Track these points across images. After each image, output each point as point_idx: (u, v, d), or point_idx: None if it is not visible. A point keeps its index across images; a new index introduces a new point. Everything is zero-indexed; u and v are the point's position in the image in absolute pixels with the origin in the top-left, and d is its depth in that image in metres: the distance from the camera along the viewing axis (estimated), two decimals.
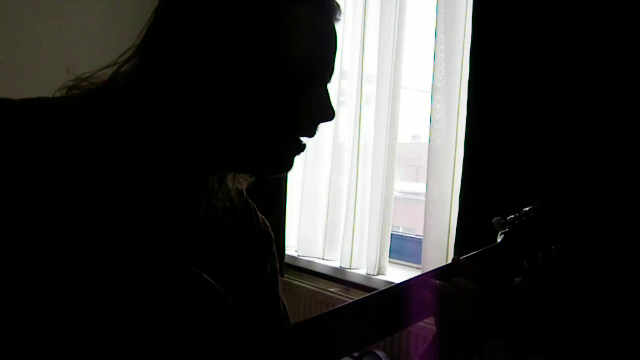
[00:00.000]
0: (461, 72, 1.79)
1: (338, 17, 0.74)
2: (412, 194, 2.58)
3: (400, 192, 2.40)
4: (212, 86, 0.68)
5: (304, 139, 0.75)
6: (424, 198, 1.88)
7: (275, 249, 0.89)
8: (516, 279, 0.90)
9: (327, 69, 0.74)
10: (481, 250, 0.88)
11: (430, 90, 1.85)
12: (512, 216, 0.91)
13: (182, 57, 0.68)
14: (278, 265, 0.90)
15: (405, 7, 2.07)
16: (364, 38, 2.18)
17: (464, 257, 0.87)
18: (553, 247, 0.89)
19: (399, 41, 2.06)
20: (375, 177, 2.12)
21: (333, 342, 0.78)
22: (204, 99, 0.68)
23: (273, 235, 0.89)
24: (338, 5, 0.74)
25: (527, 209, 0.91)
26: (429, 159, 1.85)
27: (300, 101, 0.71)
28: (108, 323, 0.63)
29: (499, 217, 0.91)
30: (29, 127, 0.65)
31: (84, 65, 0.74)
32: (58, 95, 0.72)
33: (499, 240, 0.90)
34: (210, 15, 0.67)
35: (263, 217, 0.88)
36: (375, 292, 0.83)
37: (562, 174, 1.39)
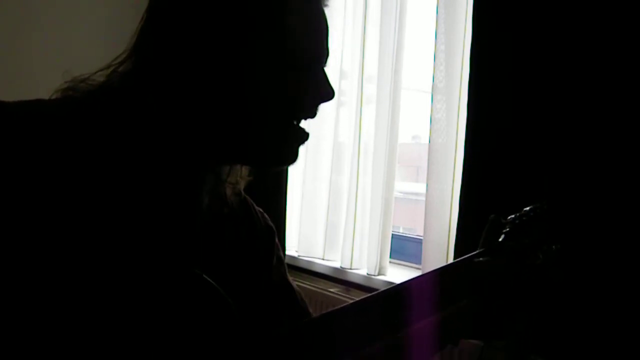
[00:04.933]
0: (461, 72, 1.79)
1: (326, 2, 0.75)
2: (412, 194, 2.58)
3: (400, 192, 2.39)
4: (208, 78, 0.68)
5: (307, 130, 0.75)
6: (424, 198, 1.88)
7: (277, 239, 0.89)
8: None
9: (321, 52, 0.75)
10: (482, 250, 0.88)
11: (430, 90, 1.85)
12: (512, 216, 0.91)
13: (175, 51, 0.68)
14: (282, 255, 0.90)
15: (406, 7, 2.07)
16: (364, 38, 2.18)
17: (464, 257, 0.87)
18: (553, 247, 0.89)
19: (399, 41, 2.06)
20: (375, 177, 2.12)
21: (332, 342, 0.78)
22: (201, 92, 0.68)
23: (274, 226, 0.89)
24: None
25: (527, 208, 0.91)
26: (429, 159, 1.85)
27: (298, 84, 0.71)
28: (107, 323, 0.63)
29: (499, 217, 0.91)
30: (24, 129, 0.65)
31: (83, 67, 0.74)
32: (55, 97, 0.72)
33: (499, 240, 0.89)
34: (200, 6, 0.68)
35: (261, 210, 0.88)
36: (376, 292, 0.82)
37: (562, 174, 1.39)
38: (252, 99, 0.70)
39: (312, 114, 0.75)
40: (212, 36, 0.67)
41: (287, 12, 0.70)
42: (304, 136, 0.75)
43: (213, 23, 0.67)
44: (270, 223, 0.89)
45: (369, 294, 0.81)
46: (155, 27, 0.71)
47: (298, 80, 0.71)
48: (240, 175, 0.81)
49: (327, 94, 0.74)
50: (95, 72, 0.73)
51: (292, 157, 0.75)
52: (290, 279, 0.90)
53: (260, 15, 0.68)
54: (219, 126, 0.70)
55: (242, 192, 0.85)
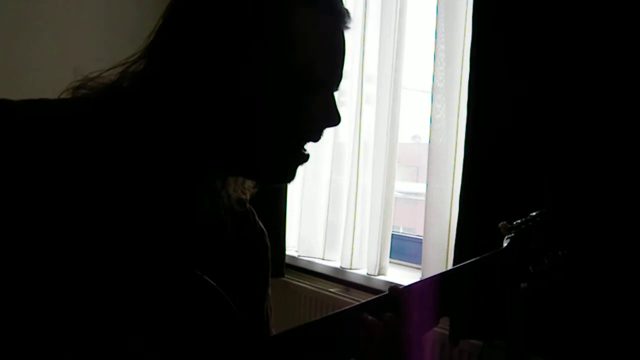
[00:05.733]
0: (461, 72, 1.79)
1: (347, 23, 0.72)
2: (412, 194, 2.58)
3: (400, 192, 2.39)
4: (218, 89, 0.67)
5: (308, 147, 0.75)
6: (424, 198, 1.88)
7: (269, 258, 0.88)
8: (522, 284, 0.90)
9: (334, 76, 0.73)
10: (487, 254, 0.88)
11: (430, 90, 1.85)
12: (518, 220, 0.90)
13: (189, 60, 0.67)
14: (269, 275, 0.89)
15: (405, 7, 2.07)
16: (364, 38, 2.18)
17: (470, 261, 0.86)
18: (559, 253, 0.88)
19: (399, 41, 2.06)
20: (375, 177, 2.12)
21: (331, 346, 0.77)
22: (210, 102, 0.68)
23: (269, 244, 0.88)
24: (347, 11, 0.72)
25: (534, 213, 0.91)
26: (429, 159, 1.85)
27: (305, 107, 0.71)
28: (108, 324, 0.63)
29: (505, 222, 0.91)
30: (28, 128, 0.65)
31: (87, 65, 0.74)
32: (64, 96, 0.71)
33: (505, 244, 0.89)
34: (218, 19, 0.67)
35: (262, 227, 0.88)
36: (376, 296, 0.81)
37: (562, 174, 1.39)
38: (258, 114, 0.69)
39: (316, 138, 0.74)
40: (225, 50, 0.67)
41: (304, 33, 0.68)
42: (304, 158, 0.74)
43: (228, 37, 0.67)
44: (267, 241, 0.88)
45: (370, 298, 0.81)
46: (170, 32, 0.71)
47: (305, 102, 0.70)
48: (245, 186, 0.81)
49: (334, 120, 0.73)
50: (107, 70, 0.72)
51: (290, 177, 0.75)
52: (268, 303, 0.88)
53: (275, 34, 0.67)
54: (224, 136, 0.70)
55: (247, 203, 0.85)
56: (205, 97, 0.68)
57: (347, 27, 0.72)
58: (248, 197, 0.82)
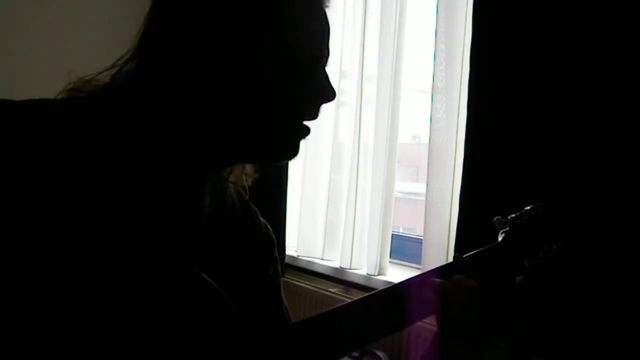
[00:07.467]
0: (461, 72, 1.80)
1: (327, 3, 0.75)
2: (412, 194, 2.58)
3: (400, 192, 2.39)
4: (210, 78, 0.68)
5: (308, 122, 0.75)
6: (424, 198, 1.88)
7: (277, 252, 0.89)
8: (517, 277, 0.90)
9: (322, 52, 0.75)
10: (482, 248, 0.88)
11: (430, 90, 1.85)
12: (513, 215, 0.91)
13: (178, 51, 0.68)
14: (280, 269, 0.90)
15: (405, 7, 2.08)
16: (364, 38, 2.18)
17: (465, 255, 0.87)
18: (554, 246, 0.89)
19: (399, 41, 2.06)
20: (375, 177, 2.12)
21: (333, 340, 0.78)
22: (203, 92, 0.68)
23: (275, 239, 0.89)
24: None
25: (528, 207, 0.91)
26: (429, 159, 1.86)
27: (300, 84, 0.72)
28: (107, 322, 0.63)
29: (500, 216, 0.91)
30: (29, 128, 0.65)
31: (86, 66, 0.74)
32: (60, 97, 0.72)
33: (500, 238, 0.90)
34: (202, 7, 0.68)
35: (265, 221, 0.88)
36: (376, 290, 0.83)
37: (563, 173, 1.39)
38: (254, 99, 0.70)
39: (314, 115, 0.75)
40: (214, 37, 0.68)
41: (289, 13, 0.70)
42: (305, 131, 0.75)
43: (215, 24, 0.67)
44: (272, 235, 0.88)
45: (368, 293, 0.81)
46: (158, 28, 0.71)
47: (299, 81, 0.71)
48: (246, 172, 0.81)
49: (329, 94, 0.74)
50: (100, 73, 0.73)
51: (293, 152, 0.76)
52: (283, 295, 0.89)
53: (262, 17, 0.68)
54: (222, 125, 0.71)
55: (247, 198, 0.85)
56: (199, 86, 0.68)
57: (327, 6, 0.75)
58: (250, 182, 0.83)
